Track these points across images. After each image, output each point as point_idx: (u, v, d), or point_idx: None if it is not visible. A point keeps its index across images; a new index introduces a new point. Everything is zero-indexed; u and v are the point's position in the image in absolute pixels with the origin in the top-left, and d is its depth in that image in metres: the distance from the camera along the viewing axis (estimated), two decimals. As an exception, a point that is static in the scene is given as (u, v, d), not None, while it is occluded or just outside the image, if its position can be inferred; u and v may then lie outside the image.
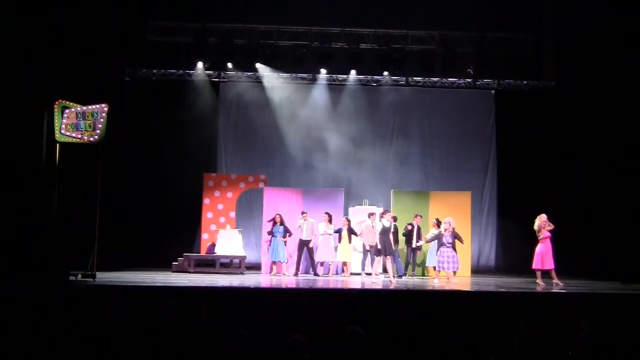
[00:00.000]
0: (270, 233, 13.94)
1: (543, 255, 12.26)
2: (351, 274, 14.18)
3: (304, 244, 14.05)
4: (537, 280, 12.34)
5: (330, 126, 16.21)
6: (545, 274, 12.40)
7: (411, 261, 14.30)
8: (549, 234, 12.38)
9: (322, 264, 14.10)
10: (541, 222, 12.37)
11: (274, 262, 14.02)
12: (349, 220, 14.24)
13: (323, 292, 10.74)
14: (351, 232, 14.12)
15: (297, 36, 15.95)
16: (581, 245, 14.12)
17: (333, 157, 16.16)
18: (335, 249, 14.09)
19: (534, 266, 12.38)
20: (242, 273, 13.83)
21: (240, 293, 10.41)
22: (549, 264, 12.29)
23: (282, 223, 13.97)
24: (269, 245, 13.99)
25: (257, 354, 5.12)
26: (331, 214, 14.08)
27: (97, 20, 13.54)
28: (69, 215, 11.43)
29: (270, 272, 14.01)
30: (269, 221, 14.14)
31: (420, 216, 14.30)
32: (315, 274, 13.93)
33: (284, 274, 13.98)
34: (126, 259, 14.12)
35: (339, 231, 14.04)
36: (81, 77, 12.80)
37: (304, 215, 14.08)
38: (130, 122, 14.32)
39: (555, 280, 12.40)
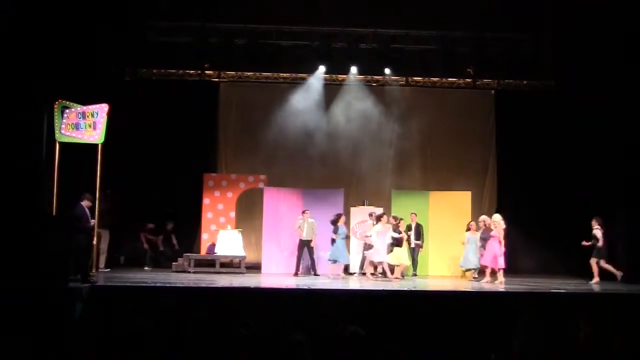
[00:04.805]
0: (335, 233, 13.63)
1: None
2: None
3: (304, 244, 14.00)
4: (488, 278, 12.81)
5: (330, 126, 16.20)
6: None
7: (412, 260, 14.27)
8: (495, 235, 12.75)
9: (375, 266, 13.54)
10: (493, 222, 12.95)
11: (333, 263, 13.63)
12: (397, 220, 13.74)
13: (323, 292, 10.72)
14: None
15: (297, 36, 15.94)
16: (581, 245, 14.12)
17: (333, 157, 16.16)
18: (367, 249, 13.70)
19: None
20: (242, 273, 13.83)
21: (240, 293, 10.40)
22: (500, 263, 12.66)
23: (343, 223, 13.75)
24: (331, 245, 13.65)
25: (257, 354, 5.12)
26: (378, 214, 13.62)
27: (97, 20, 13.54)
28: (69, 215, 11.41)
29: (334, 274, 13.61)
30: (336, 221, 13.67)
31: (415, 214, 14.31)
32: (315, 274, 13.89)
33: (342, 276, 13.50)
34: (126, 259, 14.11)
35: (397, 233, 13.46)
36: (81, 77, 12.79)
37: (305, 214, 14.06)
38: (130, 122, 14.29)
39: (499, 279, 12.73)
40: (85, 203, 11.24)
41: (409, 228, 14.25)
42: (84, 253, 11.09)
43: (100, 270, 13.06)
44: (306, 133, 15.93)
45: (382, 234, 13.22)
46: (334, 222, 13.65)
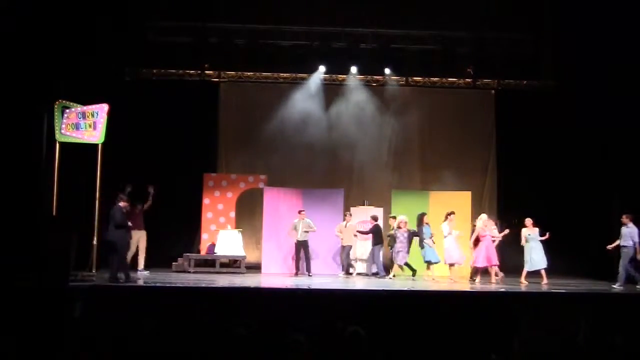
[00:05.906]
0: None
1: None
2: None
3: (300, 245, 13.97)
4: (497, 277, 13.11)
5: (330, 126, 16.20)
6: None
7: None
8: (487, 234, 13.14)
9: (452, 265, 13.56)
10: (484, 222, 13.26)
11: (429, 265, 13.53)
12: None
13: (323, 292, 10.73)
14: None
15: (297, 36, 15.94)
16: (581, 245, 14.12)
17: (333, 157, 16.16)
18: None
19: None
20: (242, 273, 13.82)
21: (240, 293, 10.40)
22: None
23: (427, 223, 13.66)
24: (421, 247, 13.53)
25: (257, 354, 5.12)
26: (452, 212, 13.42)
27: (97, 20, 13.55)
28: (69, 215, 11.43)
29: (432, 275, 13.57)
30: (420, 223, 13.57)
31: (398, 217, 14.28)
32: (309, 274, 13.76)
33: (433, 278, 13.42)
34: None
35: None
36: (81, 77, 12.80)
37: (300, 214, 14.01)
38: (130, 122, 14.29)
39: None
40: (122, 204, 11.30)
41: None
42: (125, 251, 11.55)
43: (139, 271, 13.13)
44: (306, 133, 15.92)
45: (451, 234, 13.32)
46: (419, 224, 13.62)
